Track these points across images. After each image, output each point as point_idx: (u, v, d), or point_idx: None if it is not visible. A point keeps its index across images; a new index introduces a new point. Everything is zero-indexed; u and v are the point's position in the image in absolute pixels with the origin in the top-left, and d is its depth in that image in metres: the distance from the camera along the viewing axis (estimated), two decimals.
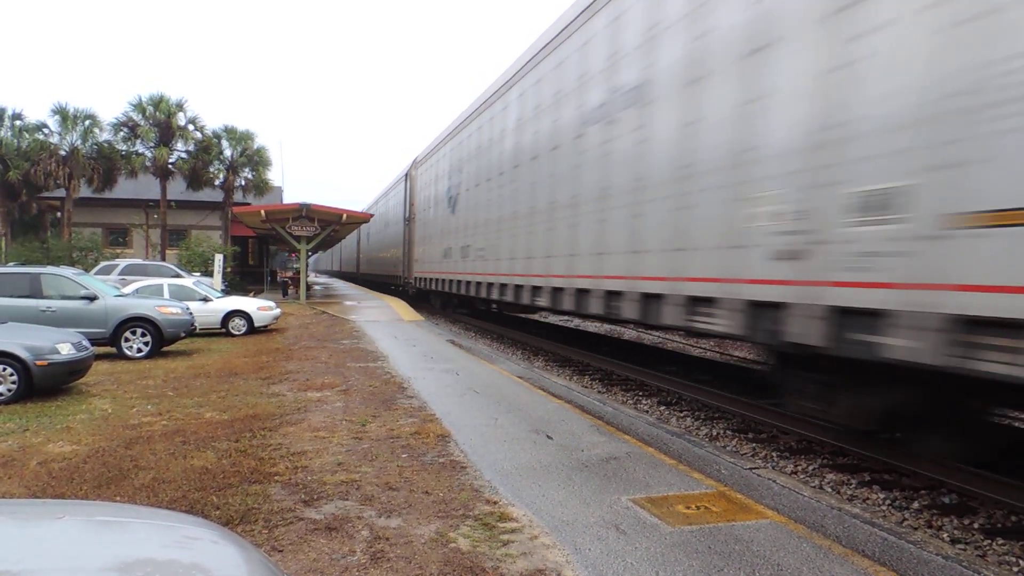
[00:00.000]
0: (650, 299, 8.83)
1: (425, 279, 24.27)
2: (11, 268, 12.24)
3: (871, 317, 5.32)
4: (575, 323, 21.98)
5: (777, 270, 6.42)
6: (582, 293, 10.95)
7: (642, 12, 9.09)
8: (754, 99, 6.86)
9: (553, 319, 23.58)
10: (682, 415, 9.00)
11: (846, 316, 5.60)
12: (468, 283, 18.18)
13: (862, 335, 5.45)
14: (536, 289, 12.96)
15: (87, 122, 27.68)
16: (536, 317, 24.28)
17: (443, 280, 21.36)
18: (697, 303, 7.76)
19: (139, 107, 28.61)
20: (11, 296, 11.03)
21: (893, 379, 5.68)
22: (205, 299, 15.52)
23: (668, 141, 8.45)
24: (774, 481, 5.19)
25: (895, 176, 5.21)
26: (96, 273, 19.69)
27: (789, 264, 6.27)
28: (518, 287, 14.06)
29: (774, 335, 6.44)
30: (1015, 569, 4.54)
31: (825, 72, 5.96)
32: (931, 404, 5.76)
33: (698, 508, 4.52)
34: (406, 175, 29.48)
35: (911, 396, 5.76)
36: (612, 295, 9.94)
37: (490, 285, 16.11)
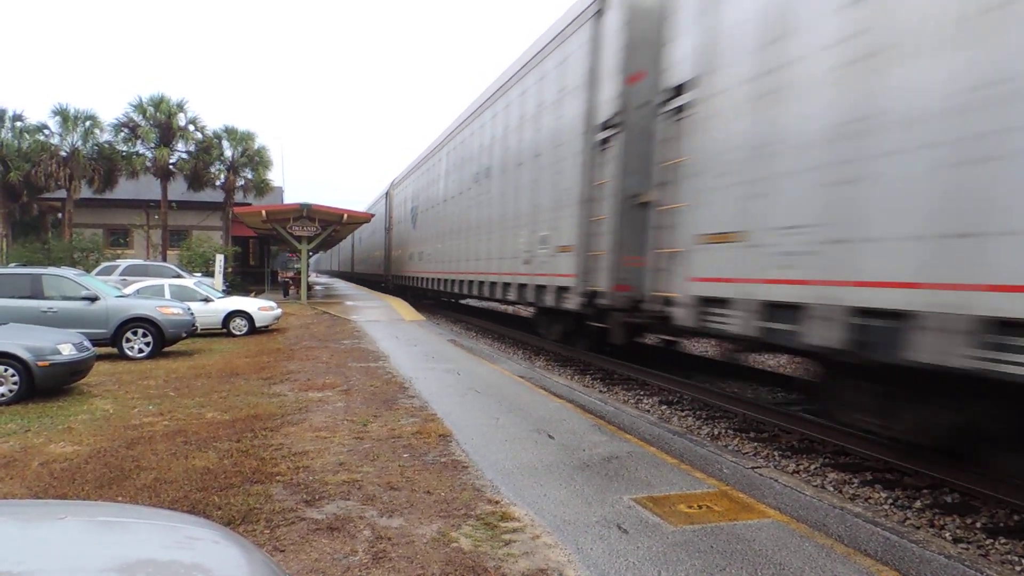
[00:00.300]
0: (494, 285, 16.54)
1: (399, 276, 31.86)
2: (12, 269, 12.25)
3: (544, 287, 13.10)
4: None
5: (524, 269, 14.22)
6: (471, 283, 18.64)
7: (490, 127, 17.18)
8: (514, 189, 15.07)
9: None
10: (683, 414, 8.99)
11: (540, 288, 13.38)
12: (423, 279, 25.71)
13: (543, 296, 13.14)
14: (452, 282, 20.82)
15: (88, 123, 27.67)
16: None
17: (409, 277, 28.77)
18: (507, 285, 15.57)
19: (140, 108, 28.62)
20: (12, 297, 11.04)
21: (566, 317, 12.90)
22: (206, 299, 15.52)
23: (498, 200, 16.32)
24: (776, 480, 5.19)
25: (545, 230, 12.96)
26: (97, 274, 19.69)
27: (526, 266, 14.00)
28: (443, 280, 22.05)
29: (524, 297, 14.46)
30: (1017, 568, 4.53)
31: (531, 182, 13.93)
32: (578, 327, 12.61)
33: (700, 507, 4.52)
34: (386, 193, 37.08)
35: (570, 323, 13.01)
36: (481, 284, 17.65)
37: (432, 279, 24.00)
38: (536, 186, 13.63)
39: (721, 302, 7.49)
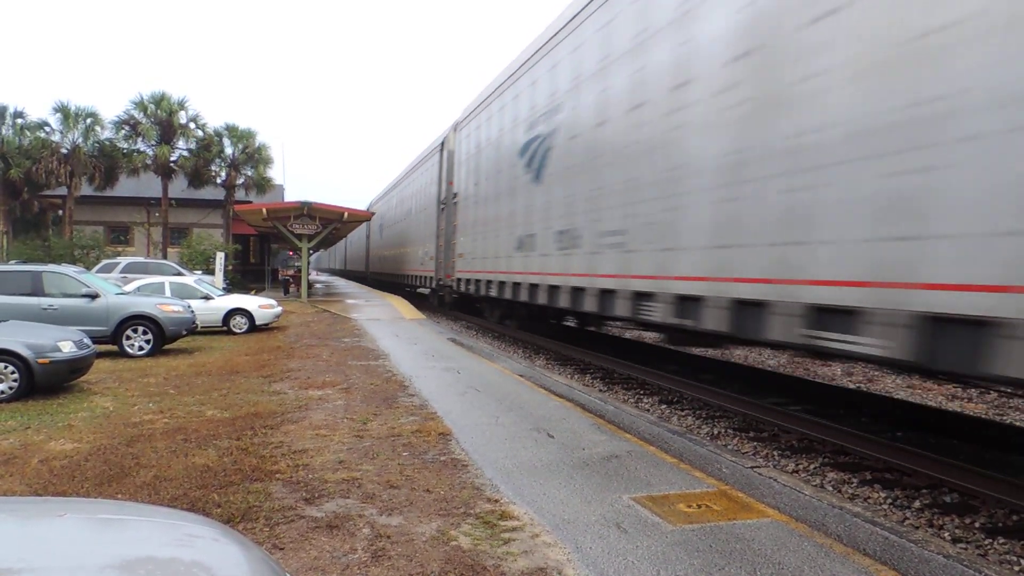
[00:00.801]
0: (414, 277, 28.25)
1: (375, 273, 42.20)
2: (13, 266, 12.25)
3: (426, 278, 25.16)
4: (575, 322, 21.99)
5: (421, 268, 26.35)
6: (405, 276, 30.45)
7: (411, 186, 29.88)
8: (418, 224, 27.33)
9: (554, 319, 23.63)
10: (683, 414, 8.99)
11: (424, 278, 25.67)
12: (390, 274, 35.64)
13: (427, 282, 25.24)
14: (398, 275, 32.20)
15: (88, 120, 27.68)
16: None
17: (381, 273, 39.30)
18: (417, 277, 27.38)
19: (140, 105, 28.61)
20: (13, 294, 11.04)
21: (437, 293, 23.79)
22: (206, 297, 15.53)
23: (413, 229, 28.79)
24: (775, 480, 5.19)
25: (428, 248, 25.04)
26: (97, 271, 19.70)
27: (422, 266, 26.03)
28: (395, 275, 33.44)
29: (423, 284, 26.28)
30: (1016, 568, 4.54)
31: (423, 223, 26.39)
32: (440, 298, 23.81)
33: (699, 507, 4.52)
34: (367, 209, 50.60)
35: (437, 297, 24.20)
36: (408, 276, 29.68)
37: (390, 274, 35.56)
38: (424, 226, 25.78)
39: (465, 280, 18.65)
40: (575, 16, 11.35)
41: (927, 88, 5.06)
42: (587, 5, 10.88)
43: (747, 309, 6.96)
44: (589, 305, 10.68)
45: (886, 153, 5.35)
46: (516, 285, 14.36)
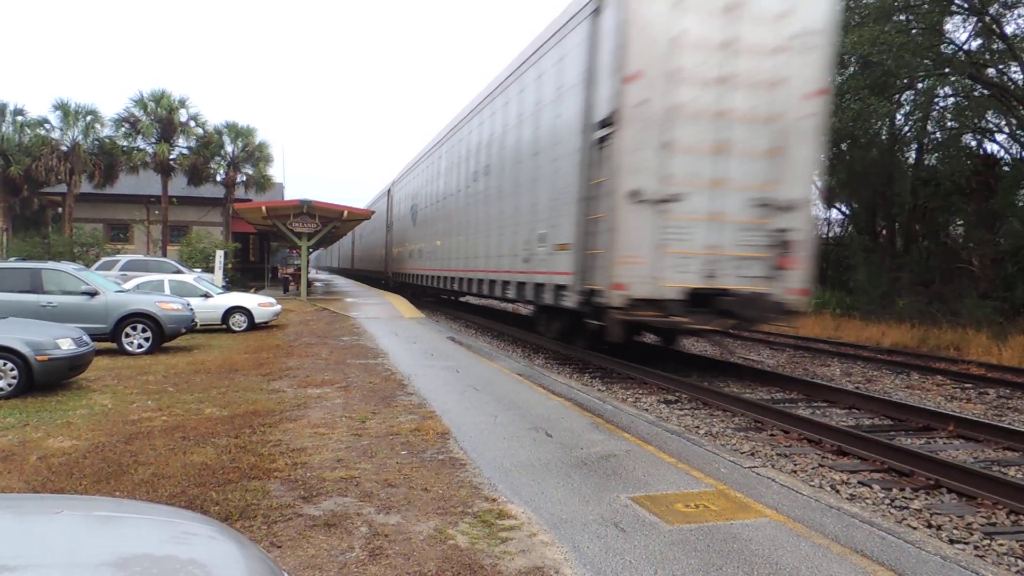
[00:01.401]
0: (374, 272, 41.02)
1: (357, 269, 50.95)
2: (12, 263, 12.24)
3: (380, 272, 38.57)
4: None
5: (378, 265, 38.65)
6: (375, 272, 40.27)
7: (379, 209, 37.35)
8: (380, 237, 37.70)
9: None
10: (682, 413, 8.98)
11: (375, 273, 40.96)
12: (367, 270, 43.75)
13: (377, 276, 40.22)
14: (373, 271, 40.92)
15: (88, 118, 27.69)
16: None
17: (361, 270, 47.92)
18: (378, 272, 38.96)
19: (141, 103, 28.61)
20: (12, 291, 11.04)
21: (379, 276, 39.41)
22: (206, 295, 15.53)
23: (377, 241, 40.09)
24: (773, 480, 5.19)
25: (383, 255, 38.04)
26: (97, 269, 19.68)
27: (378, 264, 38.61)
28: (372, 271, 41.72)
29: (380, 276, 38.21)
30: (1014, 569, 4.54)
31: (381, 237, 38.30)
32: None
33: (697, 506, 4.52)
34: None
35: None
36: (375, 272, 40.64)
37: (370, 270, 42.47)
38: (379, 239, 37.01)
39: (395, 273, 32.77)
40: (425, 153, 25.74)
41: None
42: (421, 155, 26.73)
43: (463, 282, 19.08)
44: (434, 284, 22.95)
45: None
46: (412, 275, 27.06)
